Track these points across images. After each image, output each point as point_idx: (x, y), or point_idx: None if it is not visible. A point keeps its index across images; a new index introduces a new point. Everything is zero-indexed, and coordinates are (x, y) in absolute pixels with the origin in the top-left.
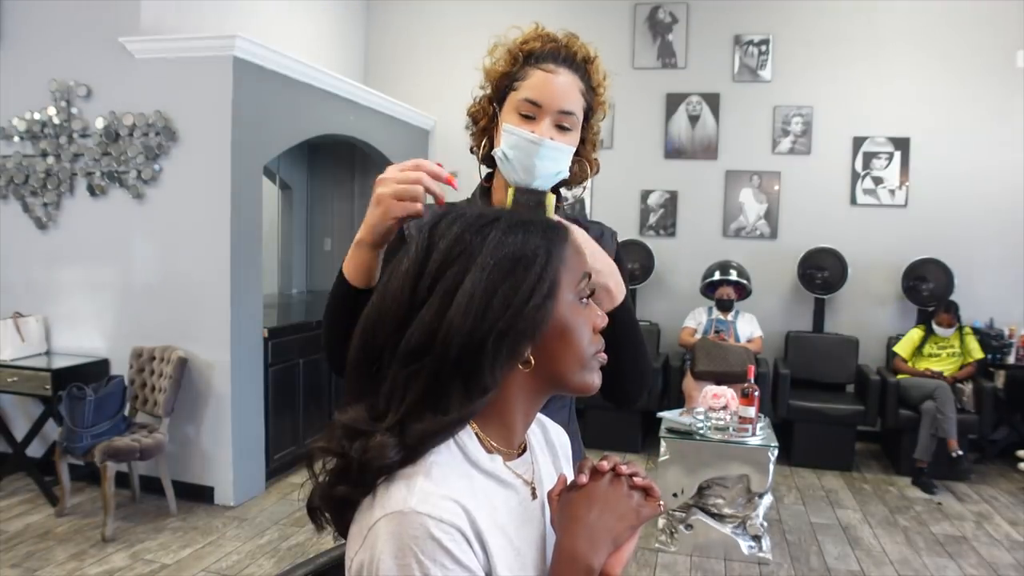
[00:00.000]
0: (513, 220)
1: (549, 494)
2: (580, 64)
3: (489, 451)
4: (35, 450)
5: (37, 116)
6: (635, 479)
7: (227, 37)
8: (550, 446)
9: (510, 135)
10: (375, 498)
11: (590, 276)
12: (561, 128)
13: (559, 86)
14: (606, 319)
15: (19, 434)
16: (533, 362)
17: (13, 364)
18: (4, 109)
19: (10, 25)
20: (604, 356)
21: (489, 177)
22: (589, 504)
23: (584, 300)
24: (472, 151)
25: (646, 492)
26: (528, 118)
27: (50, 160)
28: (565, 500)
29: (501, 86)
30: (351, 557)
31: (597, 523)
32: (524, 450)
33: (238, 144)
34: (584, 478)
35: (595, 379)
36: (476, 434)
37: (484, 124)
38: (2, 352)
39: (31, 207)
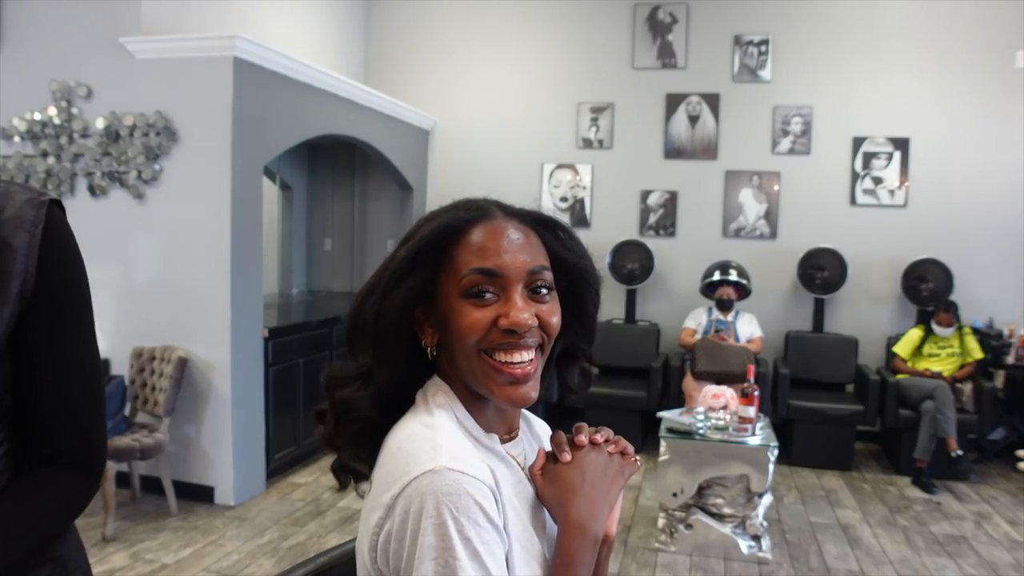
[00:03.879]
0: (451, 207)
1: (531, 469)
2: None
3: (487, 431)
4: None
5: (37, 116)
6: (611, 444)
7: (227, 37)
8: (535, 437)
9: None
10: (396, 464)
11: (489, 272)
12: None
13: None
14: (512, 318)
15: None
16: (430, 346)
17: None
18: (4, 109)
19: (10, 25)
20: (505, 365)
21: None
22: (581, 475)
23: (472, 295)
24: None
25: (622, 453)
26: None
27: (50, 160)
28: (553, 475)
29: None
30: (375, 532)
31: (592, 491)
32: (516, 436)
33: (238, 144)
34: (567, 456)
35: (494, 387)
36: (471, 415)
37: None
38: None
39: None
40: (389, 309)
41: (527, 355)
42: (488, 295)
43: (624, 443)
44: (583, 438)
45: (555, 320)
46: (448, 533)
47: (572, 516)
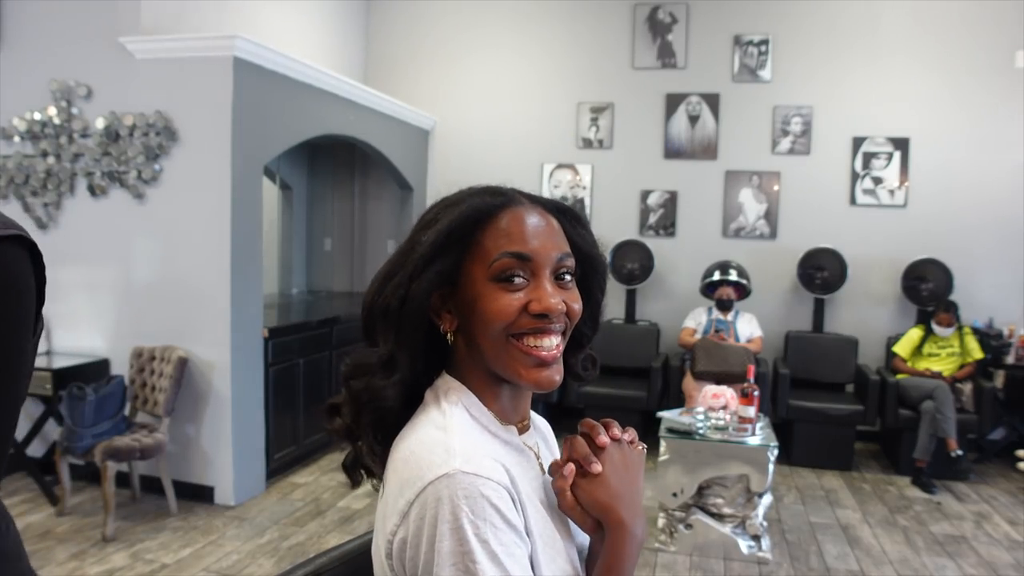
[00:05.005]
0: (472, 192)
1: (555, 486)
2: None
3: (503, 423)
4: (35, 450)
5: (37, 116)
6: (623, 437)
7: (227, 37)
8: (538, 431)
9: None
10: (409, 469)
11: (521, 256)
12: None
13: None
14: (544, 303)
15: (19, 434)
16: (449, 332)
17: None
18: (4, 109)
19: (10, 25)
20: (534, 349)
21: None
22: (617, 476)
23: (503, 279)
24: None
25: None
26: None
27: (50, 160)
28: (588, 486)
29: None
30: (389, 538)
31: (628, 490)
32: (528, 425)
33: (238, 144)
34: (598, 467)
35: (521, 369)
36: (487, 409)
37: None
38: None
39: (31, 207)
40: (416, 293)
41: (554, 340)
42: (518, 279)
43: (632, 433)
44: (604, 439)
45: (577, 306)
46: (466, 537)
47: (625, 520)
